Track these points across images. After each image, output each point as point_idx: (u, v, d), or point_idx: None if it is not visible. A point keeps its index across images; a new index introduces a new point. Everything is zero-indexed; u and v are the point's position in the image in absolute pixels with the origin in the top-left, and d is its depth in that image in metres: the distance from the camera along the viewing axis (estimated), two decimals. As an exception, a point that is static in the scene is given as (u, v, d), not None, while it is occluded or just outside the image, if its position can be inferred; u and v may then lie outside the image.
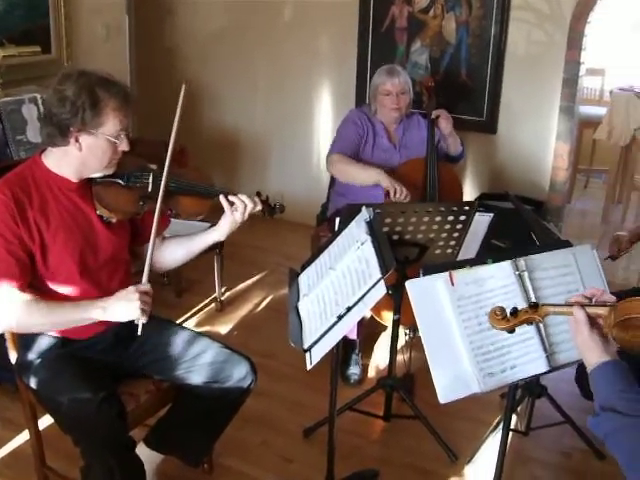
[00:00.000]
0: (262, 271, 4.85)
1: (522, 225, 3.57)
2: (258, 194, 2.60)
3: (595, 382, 1.70)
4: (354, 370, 3.67)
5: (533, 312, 1.76)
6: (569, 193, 6.09)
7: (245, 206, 2.50)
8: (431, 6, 4.74)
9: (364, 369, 3.76)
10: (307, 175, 5.55)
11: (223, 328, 4.11)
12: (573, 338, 1.77)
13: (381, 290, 2.19)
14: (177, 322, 3.96)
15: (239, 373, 2.54)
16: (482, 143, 5.00)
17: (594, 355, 1.71)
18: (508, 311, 1.77)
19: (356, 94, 5.18)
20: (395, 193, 3.55)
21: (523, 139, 4.90)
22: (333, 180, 4.20)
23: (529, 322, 1.79)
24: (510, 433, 3.04)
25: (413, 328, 3.76)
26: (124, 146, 2.35)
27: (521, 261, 2.27)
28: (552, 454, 3.25)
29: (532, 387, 3.17)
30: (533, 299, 2.22)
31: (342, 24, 5.12)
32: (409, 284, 2.16)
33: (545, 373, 2.18)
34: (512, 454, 3.02)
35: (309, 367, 2.23)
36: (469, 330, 2.16)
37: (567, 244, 2.42)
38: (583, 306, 1.73)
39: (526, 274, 2.25)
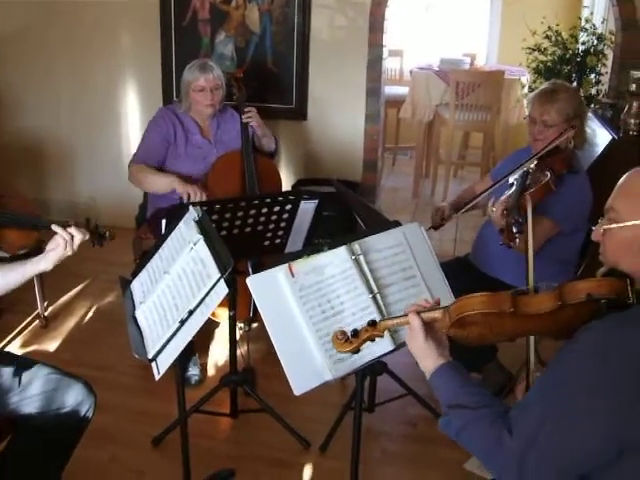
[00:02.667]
0: (84, 280, 4.65)
1: (345, 208, 3.65)
2: (87, 222, 2.49)
3: (436, 386, 1.77)
4: (194, 371, 3.60)
5: (373, 330, 1.78)
6: (380, 172, 6.27)
7: (73, 237, 2.38)
8: (232, -4, 4.71)
9: (203, 368, 3.71)
10: (119, 177, 5.29)
11: (51, 345, 3.90)
12: (409, 345, 1.81)
13: (223, 290, 2.15)
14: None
15: (73, 399, 2.41)
16: (293, 130, 5.05)
17: (430, 361, 1.77)
18: (349, 333, 1.78)
19: (163, 90, 5.06)
20: (189, 197, 3.51)
21: (334, 123, 4.99)
22: (150, 180, 4.09)
23: (372, 339, 1.81)
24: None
25: (248, 321, 3.76)
26: None
27: (355, 245, 2.31)
28: (399, 426, 3.36)
29: (373, 365, 3.24)
30: (371, 281, 2.28)
31: (143, 20, 4.97)
32: (250, 280, 2.15)
33: (391, 351, 2.23)
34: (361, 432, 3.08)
35: (157, 377, 2.17)
36: (314, 319, 2.17)
37: (396, 224, 2.49)
38: (418, 313, 1.78)
39: (362, 257, 2.29)
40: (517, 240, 2.74)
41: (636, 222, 1.64)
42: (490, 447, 1.61)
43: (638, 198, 1.66)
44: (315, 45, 4.77)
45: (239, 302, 3.22)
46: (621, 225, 1.67)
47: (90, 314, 4.28)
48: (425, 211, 6.34)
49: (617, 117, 4.16)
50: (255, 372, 3.62)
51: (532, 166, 3.02)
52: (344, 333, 1.78)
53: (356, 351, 1.81)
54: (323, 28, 4.73)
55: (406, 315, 1.80)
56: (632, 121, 3.91)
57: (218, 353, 3.86)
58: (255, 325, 3.84)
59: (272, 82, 4.85)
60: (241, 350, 3.57)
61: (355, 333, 1.78)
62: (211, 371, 3.73)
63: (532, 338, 2.42)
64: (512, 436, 1.55)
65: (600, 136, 4.05)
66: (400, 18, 6.74)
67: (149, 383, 3.35)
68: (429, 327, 1.78)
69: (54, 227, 2.37)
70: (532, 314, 1.67)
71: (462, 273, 3.25)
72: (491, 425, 1.61)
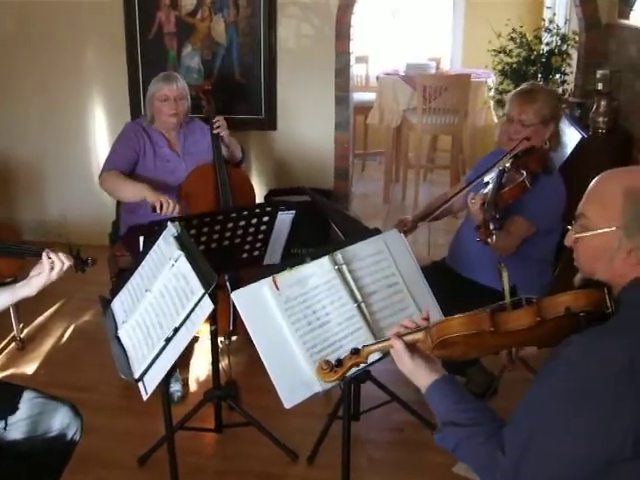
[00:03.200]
0: (59, 300, 4.58)
1: (320, 217, 3.65)
2: (70, 249, 2.46)
3: (431, 401, 1.77)
4: (176, 387, 3.57)
5: (356, 357, 1.78)
6: (351, 179, 6.29)
7: (63, 264, 2.36)
8: (198, 9, 4.69)
9: (185, 384, 3.67)
10: (90, 194, 5.28)
11: (29, 368, 3.84)
12: (399, 367, 1.80)
13: (208, 305, 2.13)
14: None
15: (60, 422, 2.38)
16: (264, 140, 5.04)
17: (423, 378, 1.77)
18: (333, 362, 1.77)
19: (130, 105, 5.03)
20: (162, 207, 3.44)
21: (304, 132, 4.99)
22: (121, 196, 4.05)
23: (356, 366, 1.80)
24: (339, 420, 3.12)
25: (228, 335, 3.74)
26: None
27: (338, 255, 2.31)
28: (385, 433, 3.36)
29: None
30: (355, 290, 2.28)
31: (108, 35, 4.93)
32: (235, 295, 2.14)
33: (379, 360, 2.23)
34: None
35: (145, 397, 2.14)
36: (301, 331, 2.17)
37: (376, 231, 2.49)
38: (400, 336, 1.78)
39: (345, 267, 2.29)
40: (494, 237, 2.76)
41: (607, 229, 1.62)
42: (484, 465, 1.63)
43: (608, 205, 1.62)
44: (282, 55, 4.77)
45: (219, 316, 3.19)
46: (592, 233, 1.65)
47: (67, 334, 4.22)
48: (397, 216, 6.31)
49: (585, 116, 4.20)
50: (238, 385, 3.59)
51: (508, 165, 3.05)
52: (328, 363, 1.77)
53: (342, 379, 1.80)
54: (290, 37, 4.74)
55: (388, 339, 1.80)
56: (601, 119, 3.95)
57: (199, 368, 3.83)
58: (234, 338, 3.82)
59: (240, 93, 4.84)
60: (222, 364, 3.55)
61: (339, 362, 1.77)
62: (193, 387, 3.70)
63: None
64: (505, 455, 1.57)
65: (569, 135, 4.09)
66: (364, 24, 6.76)
67: (132, 402, 3.35)
68: (414, 347, 1.77)
69: (49, 253, 2.35)
70: (512, 331, 1.69)
71: (440, 277, 3.25)
72: (484, 444, 1.63)
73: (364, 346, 1.81)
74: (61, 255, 2.36)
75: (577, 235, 1.69)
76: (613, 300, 1.64)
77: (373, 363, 2.22)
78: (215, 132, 3.92)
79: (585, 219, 1.67)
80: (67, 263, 2.37)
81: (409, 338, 1.78)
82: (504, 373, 3.44)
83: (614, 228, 1.60)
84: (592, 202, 1.68)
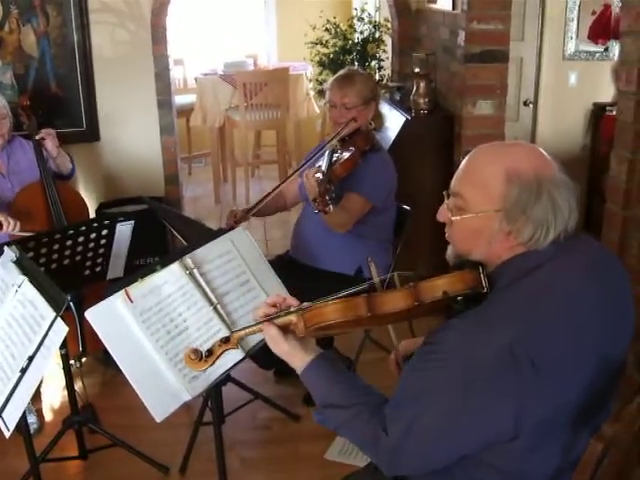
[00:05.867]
0: None
1: (156, 225, 3.59)
2: None
3: (308, 383, 1.74)
4: (31, 419, 3.39)
5: (226, 344, 1.75)
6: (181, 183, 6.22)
7: None
8: (5, 21, 4.44)
9: (39, 414, 3.51)
10: None
11: None
12: (273, 350, 1.77)
13: (62, 328, 2.06)
14: None
15: None
16: (88, 153, 4.87)
17: (298, 359, 1.74)
18: (203, 351, 1.74)
19: (-61, 129, 4.72)
20: (2, 227, 3.31)
21: (129, 140, 4.87)
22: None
23: (226, 352, 1.78)
24: (203, 427, 3.10)
25: (79, 357, 3.61)
26: None
27: (187, 259, 2.29)
28: (253, 432, 3.36)
29: (217, 377, 3.22)
30: (209, 293, 2.26)
31: None
32: (89, 314, 2.06)
33: (243, 359, 2.23)
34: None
35: (8, 434, 2.03)
36: (161, 341, 2.13)
37: (222, 232, 2.49)
38: (271, 320, 1.74)
39: (196, 271, 2.28)
40: (331, 206, 2.84)
41: (486, 211, 1.56)
42: (367, 444, 1.64)
43: (489, 187, 1.56)
44: (99, 63, 4.63)
45: (70, 339, 3.07)
46: (471, 215, 1.59)
47: None
48: (232, 216, 6.35)
49: (406, 98, 4.36)
50: (94, 407, 3.47)
51: (337, 146, 3.15)
52: (196, 352, 1.74)
53: (212, 364, 1.76)
54: (105, 45, 4.60)
55: (258, 323, 1.76)
56: (422, 101, 4.11)
57: (51, 395, 3.67)
58: (84, 359, 3.70)
59: (59, 106, 4.66)
60: (76, 387, 3.42)
61: (209, 352, 1.74)
62: (48, 416, 3.54)
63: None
64: (387, 435, 1.56)
65: (393, 119, 4.23)
66: (176, 26, 6.69)
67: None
68: (286, 330, 1.73)
69: None
70: (389, 313, 1.65)
71: (288, 269, 3.29)
72: (366, 423, 1.62)
73: (233, 332, 1.79)
74: None
75: (455, 217, 1.63)
76: (487, 277, 1.60)
77: (238, 363, 2.23)
78: (37, 138, 3.76)
79: (462, 200, 1.61)
80: None
81: (280, 321, 1.74)
82: (360, 355, 3.53)
83: (494, 211, 1.55)
84: (470, 183, 1.61)
